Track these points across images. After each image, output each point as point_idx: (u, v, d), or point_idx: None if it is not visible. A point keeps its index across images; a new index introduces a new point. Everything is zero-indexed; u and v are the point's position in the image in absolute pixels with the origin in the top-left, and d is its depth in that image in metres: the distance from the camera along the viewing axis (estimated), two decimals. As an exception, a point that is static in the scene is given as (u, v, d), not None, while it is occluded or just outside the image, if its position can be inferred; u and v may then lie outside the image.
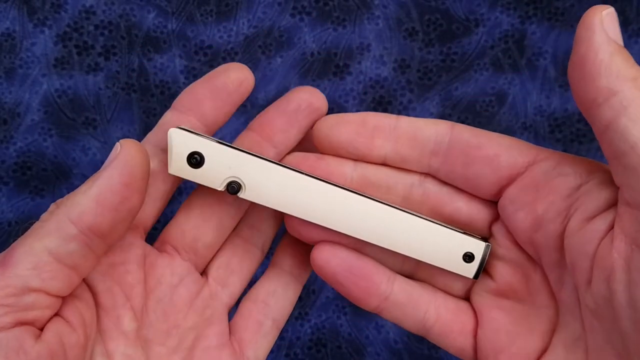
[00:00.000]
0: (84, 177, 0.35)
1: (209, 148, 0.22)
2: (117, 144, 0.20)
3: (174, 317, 0.23)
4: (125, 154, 0.20)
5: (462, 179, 0.23)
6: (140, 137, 0.35)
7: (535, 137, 0.36)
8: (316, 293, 0.36)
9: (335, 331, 0.36)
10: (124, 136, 0.35)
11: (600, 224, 0.20)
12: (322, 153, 0.24)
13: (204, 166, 0.22)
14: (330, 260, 0.23)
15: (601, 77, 0.19)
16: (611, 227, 0.20)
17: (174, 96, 0.35)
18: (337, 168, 0.23)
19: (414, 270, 0.25)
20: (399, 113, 0.36)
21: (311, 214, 0.23)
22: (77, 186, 0.35)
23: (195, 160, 0.22)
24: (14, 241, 0.35)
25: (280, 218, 0.26)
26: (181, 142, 0.21)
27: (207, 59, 0.35)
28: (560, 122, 0.36)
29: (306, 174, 0.23)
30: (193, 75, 0.35)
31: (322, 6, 0.35)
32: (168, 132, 0.21)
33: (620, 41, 0.20)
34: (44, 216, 0.20)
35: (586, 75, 0.19)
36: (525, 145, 0.23)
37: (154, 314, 0.23)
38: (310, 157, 0.23)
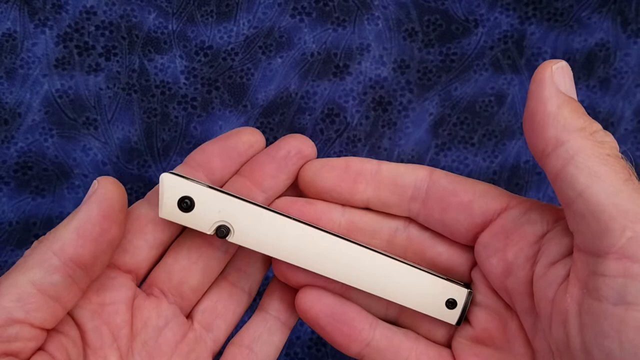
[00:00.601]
0: (85, 177, 0.35)
1: (199, 192, 0.22)
2: (95, 181, 0.21)
3: None
4: (102, 189, 0.21)
5: (440, 224, 0.24)
6: (141, 137, 0.35)
7: (535, 137, 0.36)
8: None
9: (335, 331, 0.36)
10: (125, 136, 0.35)
11: (560, 269, 0.20)
12: (307, 197, 0.24)
13: (193, 210, 0.22)
14: (314, 305, 0.24)
15: (549, 128, 0.19)
16: (569, 273, 0.20)
17: (174, 96, 0.35)
18: (326, 213, 0.24)
19: (397, 316, 0.25)
20: (399, 113, 0.36)
21: (298, 258, 0.23)
22: (77, 186, 0.35)
23: (186, 204, 0.22)
24: (14, 241, 0.35)
25: (268, 262, 0.26)
26: (172, 186, 0.22)
27: (207, 60, 0.35)
28: (560, 122, 0.36)
29: (294, 219, 0.23)
30: (193, 75, 0.35)
31: (322, 7, 0.36)
32: (160, 177, 0.22)
33: (573, 93, 0.20)
34: (27, 252, 0.20)
35: (536, 126, 0.20)
36: (499, 192, 0.23)
37: (139, 357, 0.23)
38: (299, 201, 0.24)
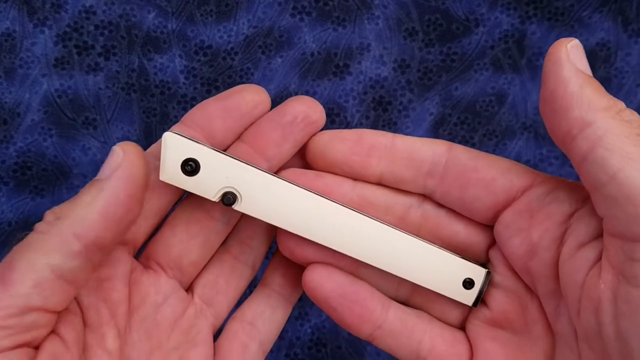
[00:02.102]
0: (84, 177, 0.35)
1: (205, 155, 0.20)
2: (118, 148, 0.19)
3: (158, 338, 0.22)
4: (129, 162, 0.19)
5: (458, 202, 0.23)
6: (140, 137, 0.35)
7: (535, 137, 0.36)
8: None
9: (335, 331, 0.36)
10: (124, 136, 0.35)
11: (590, 252, 0.19)
12: (315, 169, 0.23)
13: (198, 174, 0.20)
14: (323, 283, 0.22)
15: (573, 109, 0.18)
16: (600, 257, 0.19)
17: (174, 96, 0.35)
18: (336, 187, 0.23)
19: (409, 296, 0.24)
20: (399, 113, 0.36)
21: (309, 230, 0.22)
22: (77, 186, 0.35)
23: (190, 167, 0.20)
24: (13, 241, 0.35)
25: (273, 235, 0.25)
26: (176, 147, 0.20)
27: (207, 59, 0.35)
28: (560, 122, 0.36)
29: (307, 190, 0.22)
30: (193, 75, 0.35)
31: (322, 6, 0.35)
32: (163, 136, 0.20)
33: (589, 71, 0.19)
34: (41, 227, 0.18)
35: (558, 108, 0.19)
36: (522, 169, 0.22)
37: (137, 334, 0.22)
38: (308, 173, 0.23)
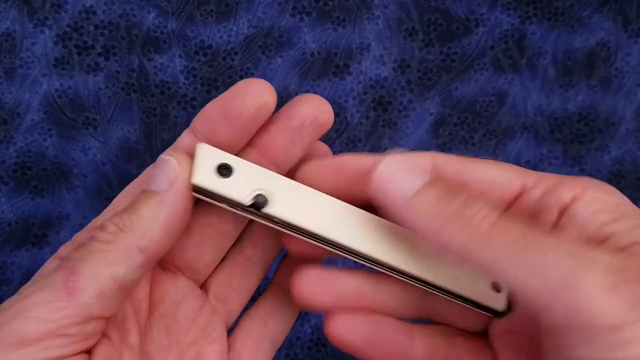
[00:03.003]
0: (84, 177, 0.35)
1: (237, 162, 0.21)
2: (172, 160, 0.20)
3: (176, 334, 0.23)
4: (185, 176, 0.19)
5: None
6: (140, 137, 0.35)
7: (535, 137, 0.36)
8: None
9: (335, 331, 0.36)
10: (124, 136, 0.35)
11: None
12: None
13: (231, 177, 0.21)
14: (349, 334, 0.22)
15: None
16: None
17: (174, 96, 0.35)
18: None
19: (432, 311, 0.24)
20: (399, 113, 0.36)
21: (336, 235, 0.22)
22: (77, 186, 0.35)
23: (224, 171, 0.21)
24: (13, 241, 0.35)
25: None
26: (209, 154, 0.21)
27: (207, 59, 0.35)
28: (560, 122, 0.36)
29: (336, 199, 0.22)
30: (193, 75, 0.35)
31: (322, 6, 0.35)
32: (197, 146, 0.21)
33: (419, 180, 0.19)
34: (104, 236, 0.19)
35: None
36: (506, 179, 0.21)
37: (157, 330, 0.22)
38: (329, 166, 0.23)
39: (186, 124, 0.35)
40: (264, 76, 0.35)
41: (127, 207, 0.19)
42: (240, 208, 0.21)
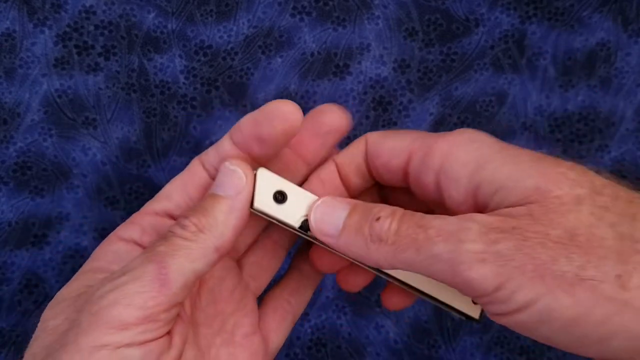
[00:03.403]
0: (84, 177, 0.35)
1: (290, 188, 0.24)
2: (239, 170, 0.23)
3: (221, 305, 0.26)
4: (250, 185, 0.23)
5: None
6: (140, 137, 0.35)
7: (535, 137, 0.36)
8: (316, 293, 0.36)
9: (335, 331, 0.36)
10: (124, 136, 0.35)
11: None
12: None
13: (286, 203, 0.24)
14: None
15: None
16: None
17: (174, 96, 0.35)
18: None
19: None
20: (399, 113, 0.36)
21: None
22: (77, 186, 0.35)
23: (280, 197, 0.24)
24: (13, 241, 0.35)
25: None
26: (268, 180, 0.24)
27: (207, 59, 0.35)
28: (560, 122, 0.36)
29: None
30: (193, 75, 0.35)
31: (322, 6, 0.35)
32: (257, 171, 0.24)
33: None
34: (185, 234, 0.22)
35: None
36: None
37: (205, 301, 0.26)
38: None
39: (186, 124, 0.35)
40: (264, 76, 0.35)
41: (201, 209, 0.23)
42: (290, 227, 0.24)
